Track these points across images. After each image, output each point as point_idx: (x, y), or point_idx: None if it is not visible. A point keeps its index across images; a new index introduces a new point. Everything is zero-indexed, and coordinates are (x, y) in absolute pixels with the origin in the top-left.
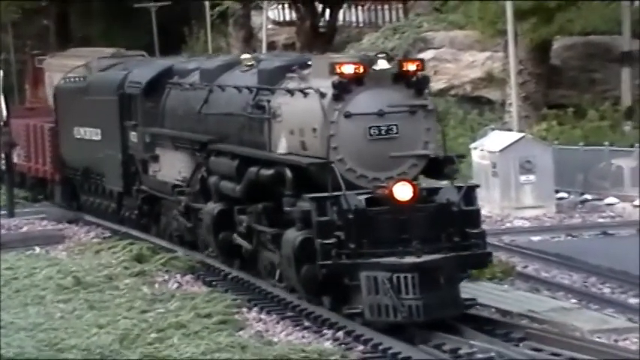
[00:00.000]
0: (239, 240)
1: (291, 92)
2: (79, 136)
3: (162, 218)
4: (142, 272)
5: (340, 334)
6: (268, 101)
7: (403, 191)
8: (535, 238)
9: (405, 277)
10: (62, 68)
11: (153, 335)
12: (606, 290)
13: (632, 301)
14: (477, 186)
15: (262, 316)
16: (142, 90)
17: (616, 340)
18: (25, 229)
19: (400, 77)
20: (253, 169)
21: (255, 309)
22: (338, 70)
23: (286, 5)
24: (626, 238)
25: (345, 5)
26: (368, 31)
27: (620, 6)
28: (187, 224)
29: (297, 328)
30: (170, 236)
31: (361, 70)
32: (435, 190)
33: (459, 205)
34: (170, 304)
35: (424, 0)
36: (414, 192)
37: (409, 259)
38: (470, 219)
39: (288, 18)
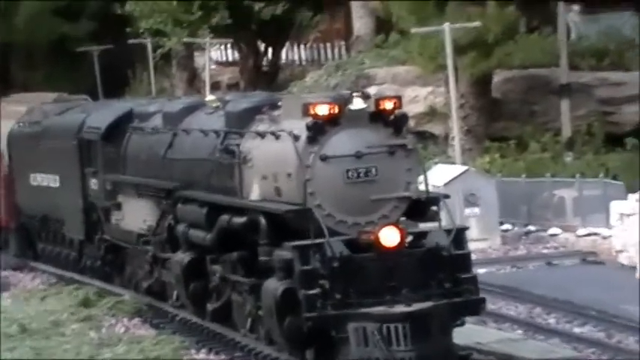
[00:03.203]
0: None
1: (261, 135)
2: (35, 183)
3: (127, 268)
4: (88, 317)
5: None
6: (238, 145)
7: (390, 236)
8: (481, 271)
9: (396, 327)
10: (4, 114)
11: None
12: (551, 320)
13: (577, 330)
14: (467, 228)
15: (211, 357)
16: (101, 135)
17: None
18: None
19: (377, 116)
20: (225, 217)
21: (204, 350)
22: (312, 111)
23: (229, 45)
24: (570, 267)
25: (287, 44)
26: (311, 69)
27: (556, 39)
28: (154, 275)
29: None
30: (136, 286)
31: (336, 110)
32: (422, 234)
33: (449, 249)
34: (117, 348)
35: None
36: (402, 237)
37: (399, 308)
38: (461, 263)
39: (230, 58)
